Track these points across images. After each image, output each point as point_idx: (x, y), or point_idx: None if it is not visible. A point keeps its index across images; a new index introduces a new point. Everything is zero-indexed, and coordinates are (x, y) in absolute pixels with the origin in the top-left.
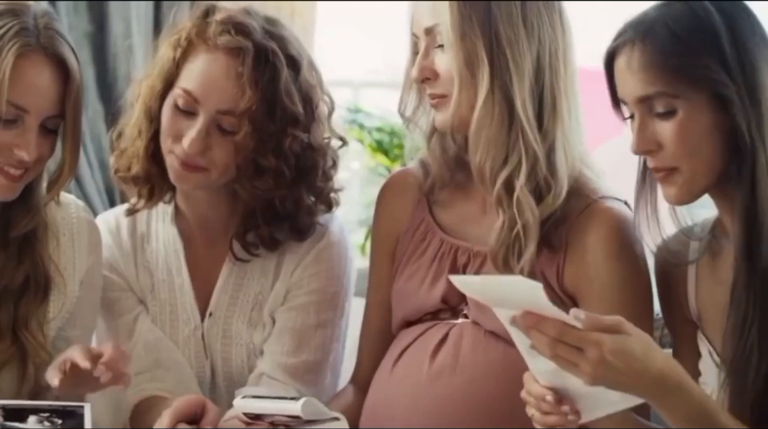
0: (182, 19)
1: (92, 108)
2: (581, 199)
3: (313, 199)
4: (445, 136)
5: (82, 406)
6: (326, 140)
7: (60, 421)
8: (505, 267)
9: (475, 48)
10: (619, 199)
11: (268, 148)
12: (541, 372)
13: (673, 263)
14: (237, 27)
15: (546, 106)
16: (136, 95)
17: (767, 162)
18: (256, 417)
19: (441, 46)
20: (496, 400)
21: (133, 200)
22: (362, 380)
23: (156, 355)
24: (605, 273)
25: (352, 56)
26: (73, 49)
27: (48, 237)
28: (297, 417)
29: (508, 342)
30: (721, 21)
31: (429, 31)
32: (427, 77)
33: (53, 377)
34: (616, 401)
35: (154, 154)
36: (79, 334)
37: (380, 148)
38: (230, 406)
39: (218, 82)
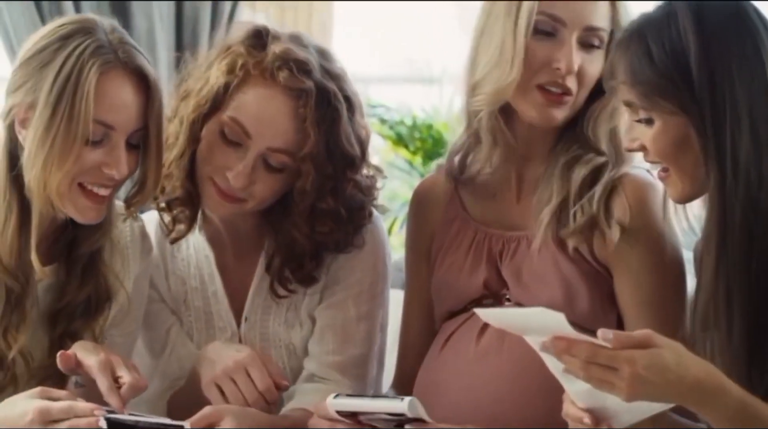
0: (232, 38)
1: None
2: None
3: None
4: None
5: (182, 426)
6: (369, 178)
7: None
8: (553, 241)
9: None
10: (646, 170)
11: (326, 191)
12: (577, 393)
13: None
14: (298, 65)
15: None
16: (174, 109)
17: (734, 183)
18: (351, 415)
19: (593, 46)
20: (543, 378)
21: (173, 226)
22: (405, 377)
23: (188, 369)
24: (633, 243)
25: (369, 51)
26: (148, 60)
27: (112, 252)
28: (400, 415)
29: None
30: (695, 41)
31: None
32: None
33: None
34: (654, 406)
35: (191, 174)
36: (121, 342)
37: (401, 141)
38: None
39: (275, 119)
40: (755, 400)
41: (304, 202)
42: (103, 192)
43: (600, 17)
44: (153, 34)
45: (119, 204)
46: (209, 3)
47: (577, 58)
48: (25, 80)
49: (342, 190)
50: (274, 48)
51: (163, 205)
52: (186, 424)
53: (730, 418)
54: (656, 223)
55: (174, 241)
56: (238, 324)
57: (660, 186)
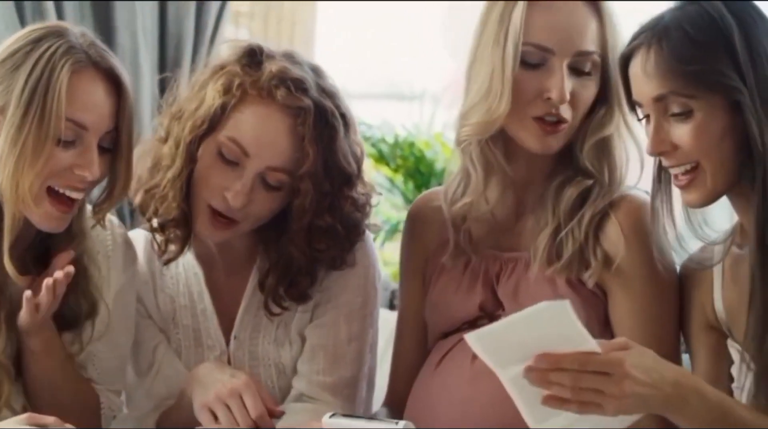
0: (225, 57)
1: None
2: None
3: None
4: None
5: None
6: (364, 194)
7: None
8: (549, 266)
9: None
10: (641, 190)
11: (324, 208)
12: None
13: (697, 269)
14: (295, 83)
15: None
16: (166, 128)
17: None
18: None
19: (584, 73)
20: None
21: (165, 247)
22: (397, 396)
23: (175, 390)
24: (632, 265)
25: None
26: (119, 64)
27: (92, 263)
28: None
29: None
30: (735, 24)
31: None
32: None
33: None
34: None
35: (187, 196)
36: (109, 356)
37: (382, 158)
38: None
39: (274, 138)
40: (731, 401)
41: (303, 219)
42: (75, 195)
43: (589, 41)
44: (137, 49)
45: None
46: (193, 17)
47: (569, 84)
48: None
49: (339, 208)
50: (270, 66)
51: (155, 226)
52: None
53: (708, 420)
54: (651, 243)
55: (167, 262)
56: (227, 342)
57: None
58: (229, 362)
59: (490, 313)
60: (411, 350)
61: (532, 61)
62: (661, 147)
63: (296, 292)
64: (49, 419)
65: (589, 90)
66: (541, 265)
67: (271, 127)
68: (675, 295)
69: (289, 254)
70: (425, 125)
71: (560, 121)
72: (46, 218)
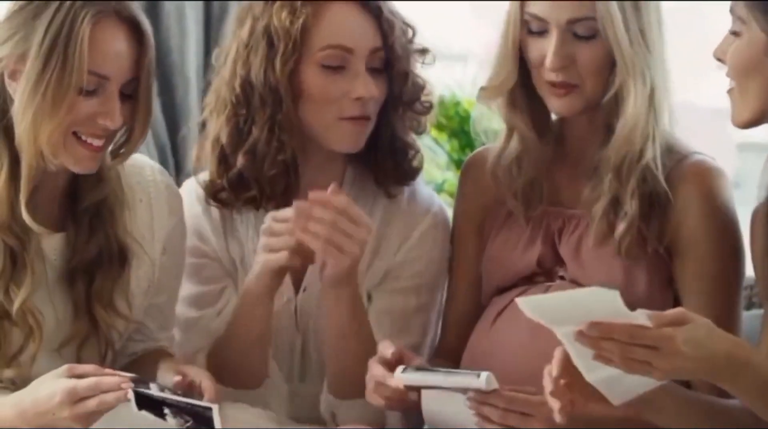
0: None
1: None
2: (673, 155)
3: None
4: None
5: (210, 408)
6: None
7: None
8: (611, 231)
9: (633, 43)
10: (708, 156)
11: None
12: (598, 381)
13: None
14: None
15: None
16: (240, 84)
17: None
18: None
19: (585, 37)
20: None
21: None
22: (447, 350)
23: None
24: (699, 226)
25: None
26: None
27: (121, 206)
28: (476, 390)
29: None
30: None
31: (573, 22)
32: (564, 65)
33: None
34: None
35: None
36: (166, 300)
37: None
38: (321, 378)
39: (362, 23)
40: None
41: (403, 84)
42: (97, 143)
43: (581, 7)
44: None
45: (145, 159)
46: None
47: (562, 50)
48: (14, 32)
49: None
50: None
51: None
52: (214, 406)
53: (759, 391)
54: (720, 206)
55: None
56: (296, 291)
57: (722, 170)
58: (295, 312)
59: (548, 269)
60: (464, 303)
61: (533, 29)
62: (717, 53)
63: (404, 167)
64: (87, 368)
65: (591, 52)
66: (601, 229)
67: (355, 13)
68: (741, 259)
69: (391, 129)
70: (469, 85)
71: (568, 84)
72: (79, 161)
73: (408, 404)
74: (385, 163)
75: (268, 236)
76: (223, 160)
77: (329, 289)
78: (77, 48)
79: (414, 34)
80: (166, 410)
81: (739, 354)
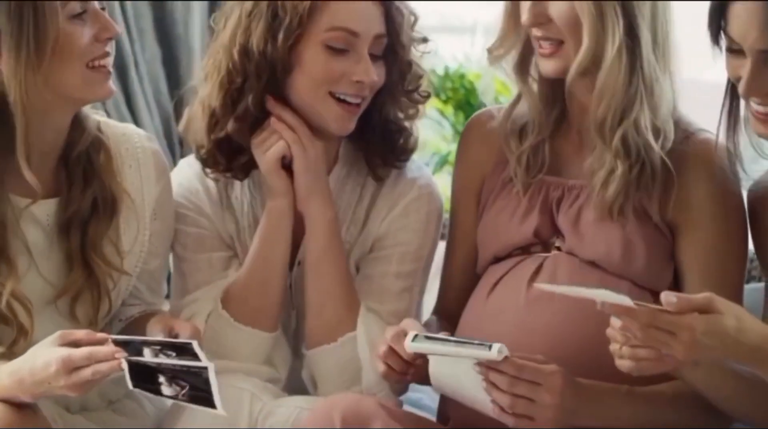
0: None
1: (149, 51)
2: (678, 131)
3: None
4: (547, 82)
5: (205, 367)
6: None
7: (174, 353)
8: (614, 205)
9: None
10: (712, 133)
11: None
12: None
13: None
14: None
15: (659, 48)
16: (239, 53)
17: None
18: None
19: None
20: (597, 325)
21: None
22: (445, 312)
23: None
24: (705, 203)
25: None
26: None
27: (108, 158)
28: (491, 361)
29: (606, 271)
30: None
31: None
32: (540, 22)
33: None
34: None
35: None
36: (158, 265)
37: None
38: None
39: (370, 8)
40: None
41: (402, 71)
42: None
43: None
44: None
45: (102, 119)
46: None
47: (535, 8)
48: None
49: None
50: None
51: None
52: (210, 364)
53: None
54: (723, 182)
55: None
56: (290, 267)
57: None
58: (290, 287)
59: (544, 240)
60: (461, 269)
61: None
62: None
63: (399, 149)
64: (80, 333)
65: (562, 6)
66: (601, 200)
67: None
68: (744, 234)
69: (386, 114)
70: (476, 57)
71: (551, 43)
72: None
73: (404, 381)
74: (377, 146)
75: (260, 142)
76: (213, 124)
77: (305, 198)
78: (45, 7)
79: (416, 21)
80: (161, 378)
81: None
